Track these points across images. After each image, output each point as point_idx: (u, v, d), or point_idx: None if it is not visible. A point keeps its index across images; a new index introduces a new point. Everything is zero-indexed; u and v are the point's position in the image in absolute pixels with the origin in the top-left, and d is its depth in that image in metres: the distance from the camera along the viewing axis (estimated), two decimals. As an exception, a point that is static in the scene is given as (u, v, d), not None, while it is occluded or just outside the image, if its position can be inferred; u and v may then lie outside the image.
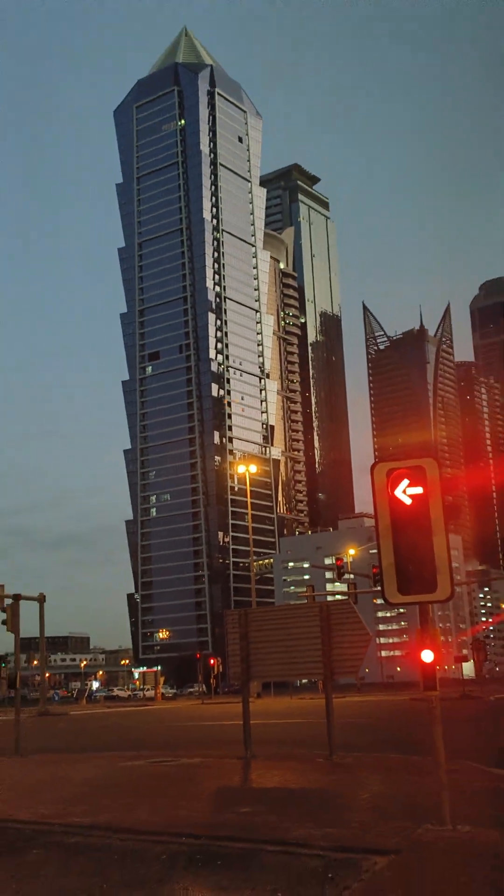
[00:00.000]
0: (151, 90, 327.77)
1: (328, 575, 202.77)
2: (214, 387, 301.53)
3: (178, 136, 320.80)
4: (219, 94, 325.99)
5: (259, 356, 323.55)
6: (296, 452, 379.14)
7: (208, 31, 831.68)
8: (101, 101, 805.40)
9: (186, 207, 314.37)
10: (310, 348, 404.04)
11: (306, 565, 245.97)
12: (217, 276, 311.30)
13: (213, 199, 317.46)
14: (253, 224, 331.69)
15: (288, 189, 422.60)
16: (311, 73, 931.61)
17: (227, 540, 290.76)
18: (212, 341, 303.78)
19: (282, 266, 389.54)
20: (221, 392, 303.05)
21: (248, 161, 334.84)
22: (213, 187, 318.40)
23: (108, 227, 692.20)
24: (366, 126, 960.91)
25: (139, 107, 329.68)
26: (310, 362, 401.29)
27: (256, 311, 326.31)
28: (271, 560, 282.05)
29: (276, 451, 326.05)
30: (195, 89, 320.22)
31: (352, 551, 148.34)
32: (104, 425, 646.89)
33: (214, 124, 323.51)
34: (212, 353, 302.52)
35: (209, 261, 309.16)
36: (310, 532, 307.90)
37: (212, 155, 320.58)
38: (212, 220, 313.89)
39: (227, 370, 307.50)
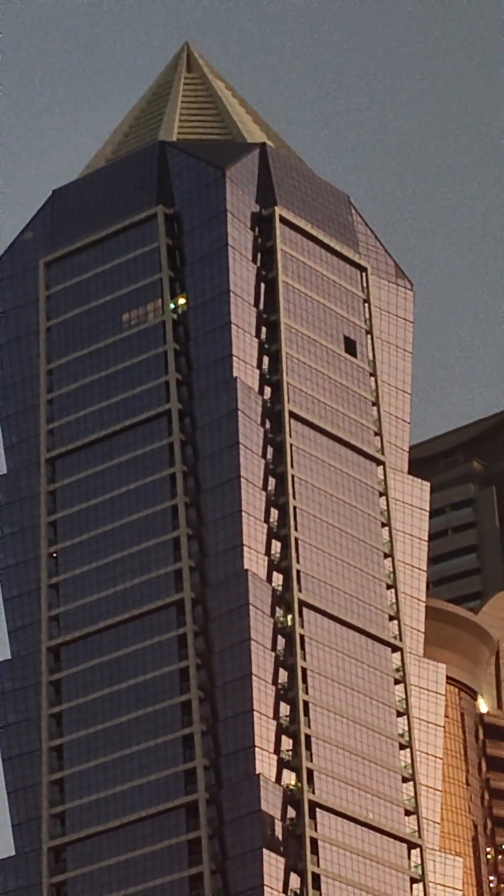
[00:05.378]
0: (91, 215, 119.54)
1: None
2: None
3: (172, 340, 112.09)
4: (287, 223, 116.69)
5: None
6: None
7: (253, 57, 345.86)
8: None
9: (199, 555, 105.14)
10: None
11: None
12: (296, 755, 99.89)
13: (280, 522, 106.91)
14: (394, 584, 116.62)
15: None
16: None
17: None
18: None
19: (484, 708, 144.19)
20: None
21: (377, 404, 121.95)
22: (273, 484, 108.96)
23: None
24: None
25: (51, 263, 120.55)
26: None
27: (412, 847, 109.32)
28: None
29: None
30: (216, 212, 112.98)
31: None
32: None
33: (276, 309, 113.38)
34: None
35: (261, 704, 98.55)
36: None
37: (272, 392, 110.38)
38: (273, 581, 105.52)
39: None
